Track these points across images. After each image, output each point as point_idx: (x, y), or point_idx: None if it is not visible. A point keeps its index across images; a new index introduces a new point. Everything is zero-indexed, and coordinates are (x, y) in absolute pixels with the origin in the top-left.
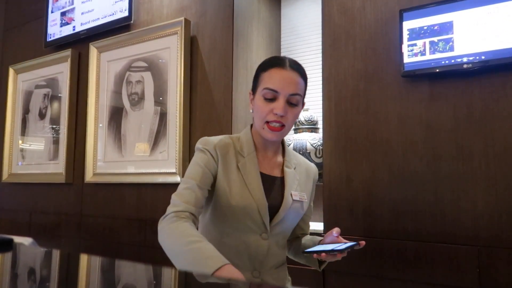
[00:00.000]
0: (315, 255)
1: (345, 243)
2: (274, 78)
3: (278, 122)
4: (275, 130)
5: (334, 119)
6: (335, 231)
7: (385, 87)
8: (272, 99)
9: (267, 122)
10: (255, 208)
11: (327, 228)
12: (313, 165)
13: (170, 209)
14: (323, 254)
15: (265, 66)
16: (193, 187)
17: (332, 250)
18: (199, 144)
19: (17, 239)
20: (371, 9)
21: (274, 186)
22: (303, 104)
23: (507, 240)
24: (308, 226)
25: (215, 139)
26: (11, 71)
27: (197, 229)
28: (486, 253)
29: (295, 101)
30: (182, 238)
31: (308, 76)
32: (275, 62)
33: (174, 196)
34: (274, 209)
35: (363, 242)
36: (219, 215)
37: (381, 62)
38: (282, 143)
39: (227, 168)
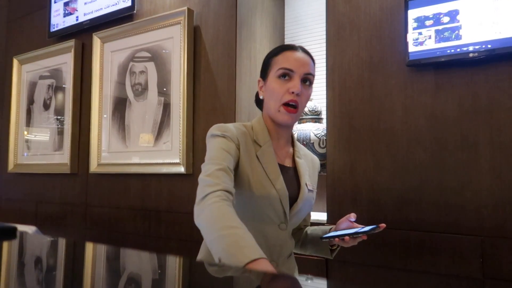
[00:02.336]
0: (336, 239)
1: (363, 227)
2: (288, 59)
3: (295, 102)
4: (292, 111)
5: (338, 109)
6: (353, 216)
7: (389, 76)
8: (287, 79)
9: (284, 104)
10: (277, 197)
11: (330, 218)
12: (315, 157)
13: (207, 189)
14: (347, 238)
15: (276, 51)
16: (226, 168)
17: (356, 233)
18: (216, 131)
19: (21, 227)
20: None
21: (289, 176)
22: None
23: (511, 230)
24: (310, 217)
25: (233, 126)
26: (15, 62)
27: None
28: (489, 243)
29: (310, 80)
30: (222, 222)
31: None
32: (286, 46)
33: (206, 177)
34: (291, 199)
35: (383, 225)
36: (239, 204)
37: (385, 51)
38: (294, 136)
39: (248, 156)
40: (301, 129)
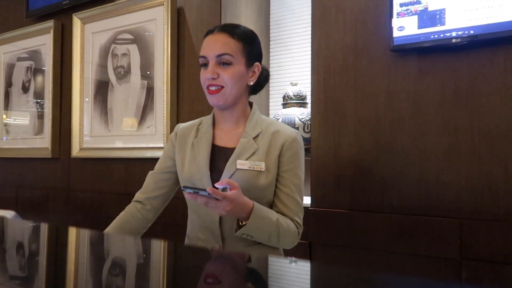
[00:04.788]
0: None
1: (205, 190)
2: (203, 45)
3: (214, 85)
4: (213, 93)
5: (322, 94)
6: (226, 181)
7: (374, 61)
8: (205, 66)
9: (207, 89)
10: (198, 177)
11: (314, 201)
12: (285, 131)
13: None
14: (190, 194)
15: (203, 38)
16: (148, 176)
17: (196, 190)
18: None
19: None
20: None
21: (225, 157)
22: (252, 65)
23: (488, 212)
24: (286, 205)
25: (185, 124)
26: None
27: (144, 205)
28: (467, 225)
29: (226, 61)
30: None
31: (297, 50)
32: (208, 31)
33: None
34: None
35: (210, 189)
36: (184, 193)
37: (370, 36)
38: (252, 114)
39: (183, 148)
40: (286, 113)
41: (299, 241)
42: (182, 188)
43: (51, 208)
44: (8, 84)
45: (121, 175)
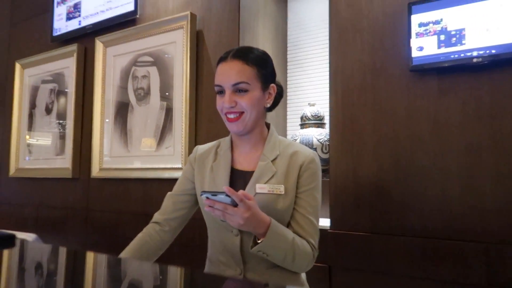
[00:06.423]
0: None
1: (224, 196)
2: (218, 74)
3: (232, 113)
4: (233, 120)
5: (341, 114)
6: (242, 193)
7: (392, 81)
8: (221, 93)
9: (226, 115)
10: None
11: (334, 224)
12: (303, 152)
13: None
14: (208, 201)
15: (216, 64)
16: (167, 197)
17: (208, 193)
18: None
19: (20, 235)
20: (379, 2)
21: (244, 181)
22: (267, 87)
23: None
24: (301, 226)
25: (203, 146)
26: (17, 66)
27: (164, 226)
28: (494, 250)
29: (242, 88)
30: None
31: (314, 70)
32: (220, 57)
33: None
34: None
35: (226, 187)
36: (204, 216)
37: (388, 56)
38: (270, 136)
39: (203, 171)
40: (304, 134)
41: (319, 264)
42: (200, 194)
43: (70, 227)
44: (32, 105)
45: (139, 196)
